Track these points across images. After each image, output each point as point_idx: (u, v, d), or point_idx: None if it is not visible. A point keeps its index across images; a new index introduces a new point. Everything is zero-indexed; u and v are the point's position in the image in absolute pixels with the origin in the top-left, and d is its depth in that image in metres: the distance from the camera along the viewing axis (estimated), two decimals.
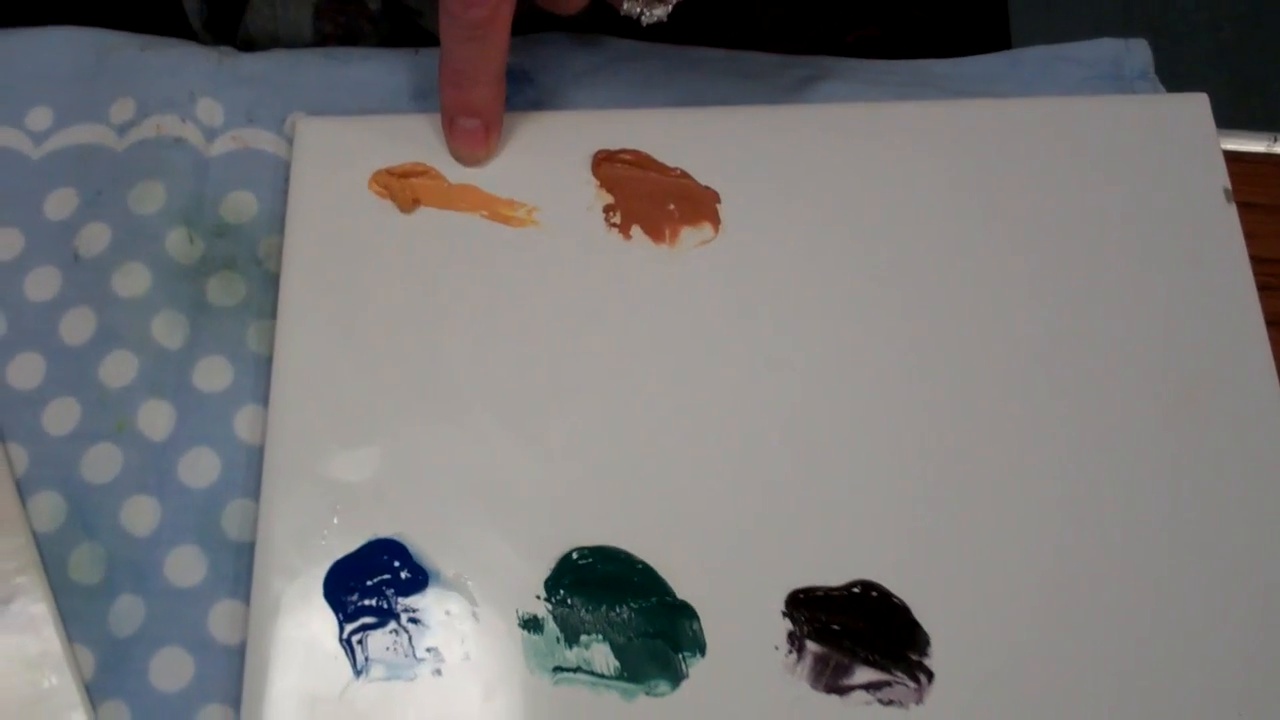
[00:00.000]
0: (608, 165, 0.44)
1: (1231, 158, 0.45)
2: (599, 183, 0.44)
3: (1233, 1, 1.22)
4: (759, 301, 0.42)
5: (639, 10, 0.41)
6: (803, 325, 0.41)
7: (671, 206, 0.43)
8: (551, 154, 0.44)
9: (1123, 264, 0.43)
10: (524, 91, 0.46)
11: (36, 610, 0.38)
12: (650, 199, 0.43)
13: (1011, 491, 0.39)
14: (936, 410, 0.40)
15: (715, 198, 0.43)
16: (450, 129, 0.44)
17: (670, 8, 0.41)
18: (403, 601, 0.38)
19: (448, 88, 0.43)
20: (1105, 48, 0.48)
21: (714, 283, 0.42)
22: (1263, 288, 0.42)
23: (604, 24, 0.45)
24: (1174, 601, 0.38)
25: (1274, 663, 0.37)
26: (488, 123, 0.43)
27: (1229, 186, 0.44)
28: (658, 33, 0.42)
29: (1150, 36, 0.49)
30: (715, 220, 0.43)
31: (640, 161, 0.44)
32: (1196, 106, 0.45)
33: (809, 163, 0.44)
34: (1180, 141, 0.45)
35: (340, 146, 0.44)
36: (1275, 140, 0.47)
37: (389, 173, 0.44)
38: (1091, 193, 0.44)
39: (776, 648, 0.37)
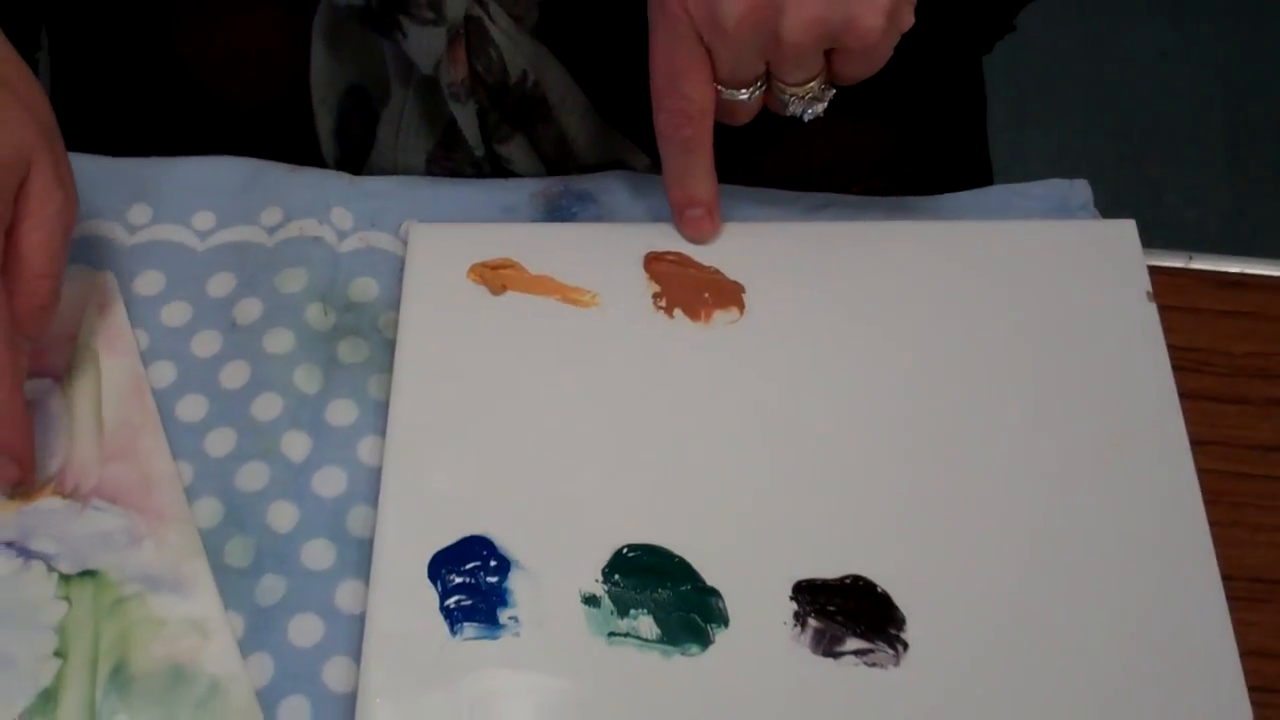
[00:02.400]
0: (656, 263, 0.55)
1: (1156, 270, 0.56)
2: (649, 276, 0.55)
3: (1165, 158, 1.62)
4: (774, 365, 0.53)
5: (802, 109, 0.51)
6: (807, 383, 0.52)
7: (706, 295, 0.54)
8: (612, 254, 0.55)
9: (1066, 346, 0.53)
10: (589, 208, 0.58)
11: (201, 586, 0.48)
12: (689, 289, 0.55)
13: (975, 515, 0.49)
14: (914, 446, 0.51)
15: (741, 289, 0.55)
16: (681, 219, 0.55)
17: (826, 104, 0.51)
18: (489, 581, 0.47)
19: (673, 189, 0.54)
20: (1054, 186, 0.59)
21: (738, 352, 0.53)
22: (1177, 368, 0.53)
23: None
24: (1103, 597, 0.47)
25: (1184, 626, 0.47)
26: (709, 208, 0.55)
27: (1150, 289, 0.54)
28: None
29: (1094, 178, 0.61)
30: (741, 305, 0.54)
31: (682, 261, 0.55)
32: (1125, 230, 0.56)
33: (813, 264, 0.55)
34: (1113, 256, 0.56)
35: (445, 246, 0.56)
36: (1190, 258, 0.58)
37: (483, 265, 0.55)
38: (1043, 293, 0.54)
39: (784, 623, 0.47)
